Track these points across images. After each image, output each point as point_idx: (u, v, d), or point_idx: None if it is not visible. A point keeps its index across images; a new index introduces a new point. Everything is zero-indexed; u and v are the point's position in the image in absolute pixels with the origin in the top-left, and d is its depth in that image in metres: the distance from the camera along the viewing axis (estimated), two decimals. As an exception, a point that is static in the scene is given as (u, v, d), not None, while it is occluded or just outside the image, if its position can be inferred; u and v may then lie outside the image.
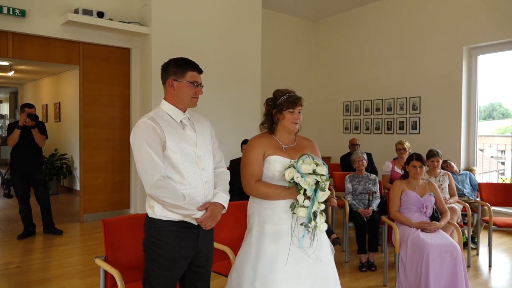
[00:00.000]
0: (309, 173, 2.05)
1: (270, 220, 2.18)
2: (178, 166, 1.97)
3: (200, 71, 2.10)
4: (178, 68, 2.04)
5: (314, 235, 2.11)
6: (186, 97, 2.05)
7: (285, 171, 2.12)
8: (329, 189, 4.91)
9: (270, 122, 2.31)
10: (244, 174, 2.24)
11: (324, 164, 2.13)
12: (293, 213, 2.08)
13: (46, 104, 9.96)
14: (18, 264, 4.20)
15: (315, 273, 2.14)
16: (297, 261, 2.11)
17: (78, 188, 7.24)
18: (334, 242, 3.83)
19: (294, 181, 2.07)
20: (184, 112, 2.08)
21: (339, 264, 4.35)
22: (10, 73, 9.31)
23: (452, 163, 5.40)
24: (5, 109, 15.18)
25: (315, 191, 2.04)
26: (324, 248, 2.23)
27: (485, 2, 6.06)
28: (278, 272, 2.09)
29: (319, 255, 2.16)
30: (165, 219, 1.97)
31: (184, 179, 1.98)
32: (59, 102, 9.26)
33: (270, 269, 2.11)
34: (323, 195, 2.07)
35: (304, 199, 2.04)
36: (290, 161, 2.14)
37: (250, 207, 2.32)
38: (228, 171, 2.26)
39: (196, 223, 2.02)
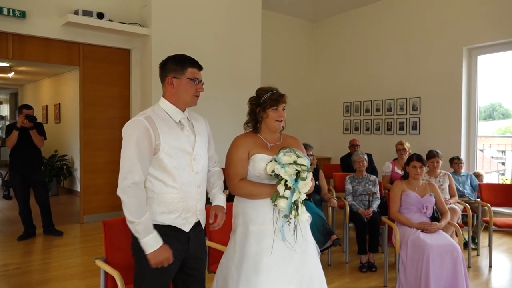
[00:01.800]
0: (290, 163, 2.04)
1: (254, 220, 2.15)
2: (170, 169, 1.90)
3: (200, 68, 2.02)
4: (178, 65, 1.96)
5: (296, 226, 2.09)
6: (187, 95, 1.97)
7: (266, 165, 2.11)
8: (329, 189, 4.96)
9: (254, 121, 2.28)
10: (228, 173, 2.22)
11: (306, 157, 2.12)
12: (274, 205, 2.06)
13: (46, 105, 9.97)
14: (18, 265, 4.20)
15: (300, 274, 2.13)
16: (282, 262, 2.09)
17: (78, 189, 7.23)
18: (335, 243, 3.83)
19: (275, 173, 2.05)
20: (183, 111, 2.01)
21: (339, 265, 4.35)
22: (10, 74, 9.32)
23: (463, 163, 5.36)
24: (5, 110, 15.19)
25: (296, 180, 2.01)
26: (309, 242, 2.23)
27: (484, 3, 6.06)
28: (262, 274, 2.07)
29: (305, 249, 2.16)
30: (154, 223, 1.90)
31: (176, 183, 1.92)
32: (59, 103, 9.27)
33: (255, 271, 2.09)
34: (304, 185, 2.03)
35: (285, 190, 2.02)
36: (273, 157, 2.12)
37: (235, 207, 2.29)
38: (221, 171, 2.24)
39: (187, 230, 1.96)
